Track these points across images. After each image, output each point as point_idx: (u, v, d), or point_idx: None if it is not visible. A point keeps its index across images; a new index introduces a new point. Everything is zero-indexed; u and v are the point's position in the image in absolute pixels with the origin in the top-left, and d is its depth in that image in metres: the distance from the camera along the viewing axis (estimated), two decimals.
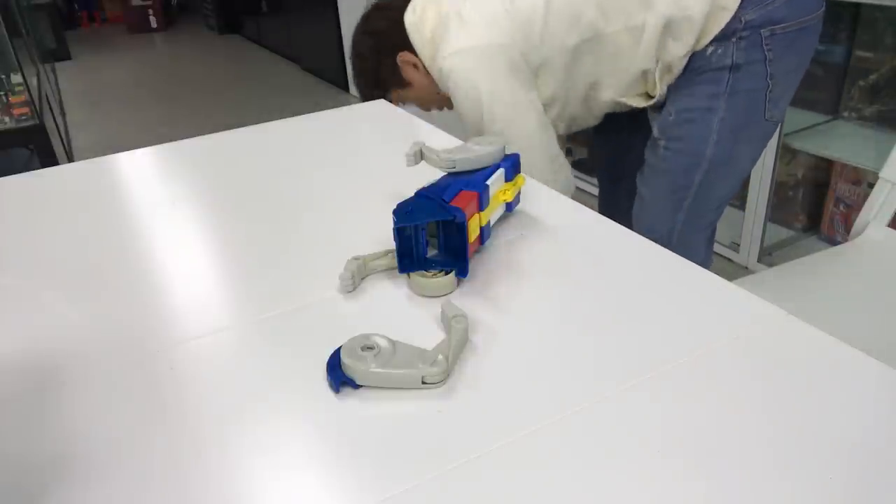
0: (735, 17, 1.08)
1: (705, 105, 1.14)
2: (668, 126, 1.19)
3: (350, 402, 0.52)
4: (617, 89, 1.19)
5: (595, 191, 2.57)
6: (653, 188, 1.25)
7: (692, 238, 1.27)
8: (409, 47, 1.23)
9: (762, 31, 1.08)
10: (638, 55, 1.13)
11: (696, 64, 1.14)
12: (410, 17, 1.22)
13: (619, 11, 1.11)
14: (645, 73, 1.16)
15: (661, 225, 1.26)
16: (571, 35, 1.12)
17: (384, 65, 1.25)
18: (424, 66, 1.24)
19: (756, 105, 1.15)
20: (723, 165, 1.18)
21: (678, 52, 1.12)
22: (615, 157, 1.52)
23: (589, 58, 1.15)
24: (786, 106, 1.21)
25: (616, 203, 1.52)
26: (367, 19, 1.31)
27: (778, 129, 1.87)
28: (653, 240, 0.70)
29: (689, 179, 1.19)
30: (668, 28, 1.10)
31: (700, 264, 0.66)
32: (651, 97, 1.20)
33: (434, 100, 1.30)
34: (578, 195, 2.52)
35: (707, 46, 1.12)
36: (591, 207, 0.79)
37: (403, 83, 1.28)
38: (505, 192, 0.74)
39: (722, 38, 1.10)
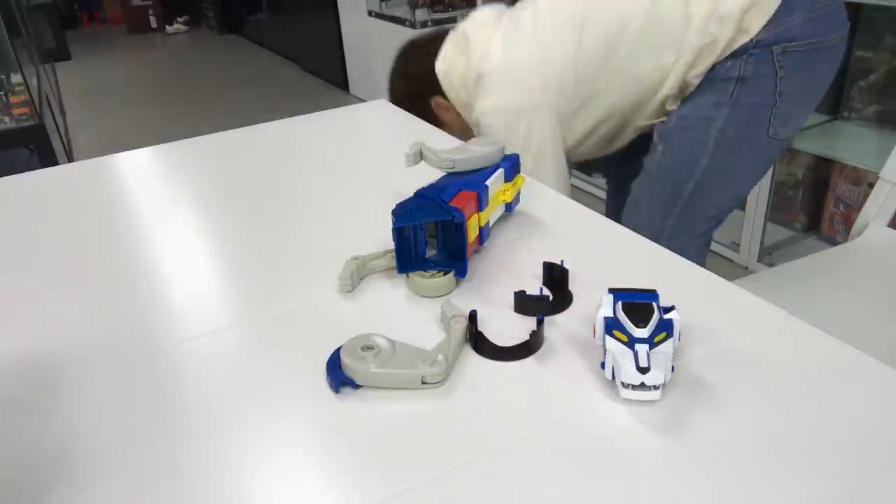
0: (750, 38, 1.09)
1: (706, 113, 1.14)
2: (668, 132, 1.19)
3: (350, 402, 0.52)
4: (640, 120, 1.22)
5: (595, 191, 2.57)
6: (644, 190, 1.25)
7: (684, 245, 1.26)
8: (441, 92, 1.29)
9: (774, 48, 1.08)
10: (663, 88, 1.15)
11: (704, 76, 1.15)
12: (440, 66, 1.28)
13: (648, 52, 1.13)
14: (665, 99, 1.17)
15: (646, 228, 1.24)
16: (601, 80, 1.16)
17: (416, 107, 1.28)
18: (457, 110, 1.30)
19: (760, 120, 1.14)
20: (717, 178, 1.17)
21: (697, 71, 1.13)
22: (623, 168, 1.52)
23: (614, 98, 1.18)
24: (797, 126, 1.19)
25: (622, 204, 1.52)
26: (403, 60, 1.37)
27: None
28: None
29: (681, 188, 1.19)
30: (695, 58, 1.12)
31: None
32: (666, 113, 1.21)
33: (469, 135, 1.33)
34: (579, 195, 2.52)
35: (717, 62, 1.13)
36: (592, 207, 0.79)
37: (438, 122, 1.30)
38: (504, 193, 0.74)
39: (732, 55, 1.11)
